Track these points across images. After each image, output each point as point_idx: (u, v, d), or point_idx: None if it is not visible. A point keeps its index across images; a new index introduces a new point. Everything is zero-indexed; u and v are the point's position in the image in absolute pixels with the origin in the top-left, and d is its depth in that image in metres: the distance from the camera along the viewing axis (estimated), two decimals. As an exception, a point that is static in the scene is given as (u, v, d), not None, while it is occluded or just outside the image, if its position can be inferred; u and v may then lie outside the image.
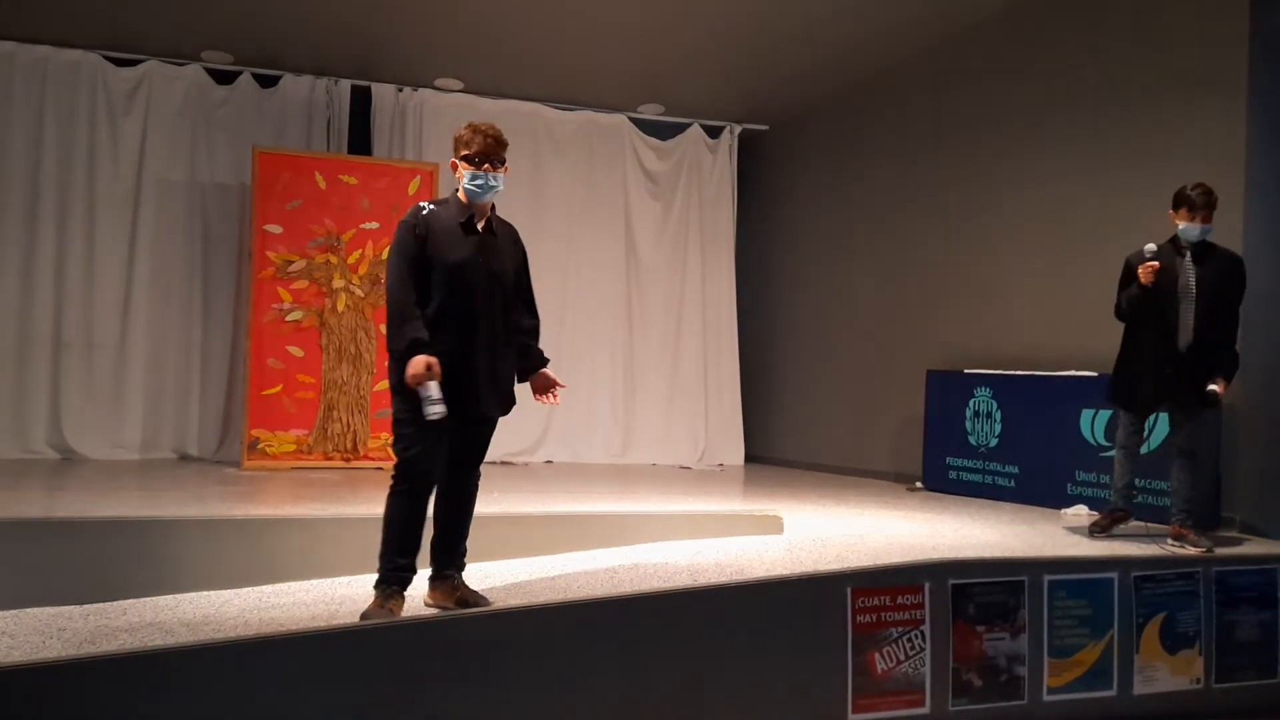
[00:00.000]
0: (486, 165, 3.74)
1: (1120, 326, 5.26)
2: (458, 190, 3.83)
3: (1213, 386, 4.84)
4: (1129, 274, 5.14)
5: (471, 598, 3.77)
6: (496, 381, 3.83)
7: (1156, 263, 4.95)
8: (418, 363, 3.53)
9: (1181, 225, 5.00)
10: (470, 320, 3.70)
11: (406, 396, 3.60)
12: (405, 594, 3.68)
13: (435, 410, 3.49)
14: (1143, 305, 5.01)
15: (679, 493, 7.02)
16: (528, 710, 3.43)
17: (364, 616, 3.55)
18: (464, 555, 3.90)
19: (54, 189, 8.11)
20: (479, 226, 3.80)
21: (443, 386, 3.56)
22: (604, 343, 9.60)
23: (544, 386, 3.99)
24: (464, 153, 3.77)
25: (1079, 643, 4.13)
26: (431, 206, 3.79)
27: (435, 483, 3.73)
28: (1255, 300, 5.59)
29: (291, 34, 7.94)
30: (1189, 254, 5.02)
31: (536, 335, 4.01)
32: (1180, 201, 5.02)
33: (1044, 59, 7.11)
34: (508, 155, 3.84)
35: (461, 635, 3.44)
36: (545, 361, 4.00)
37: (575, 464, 9.13)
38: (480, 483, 3.95)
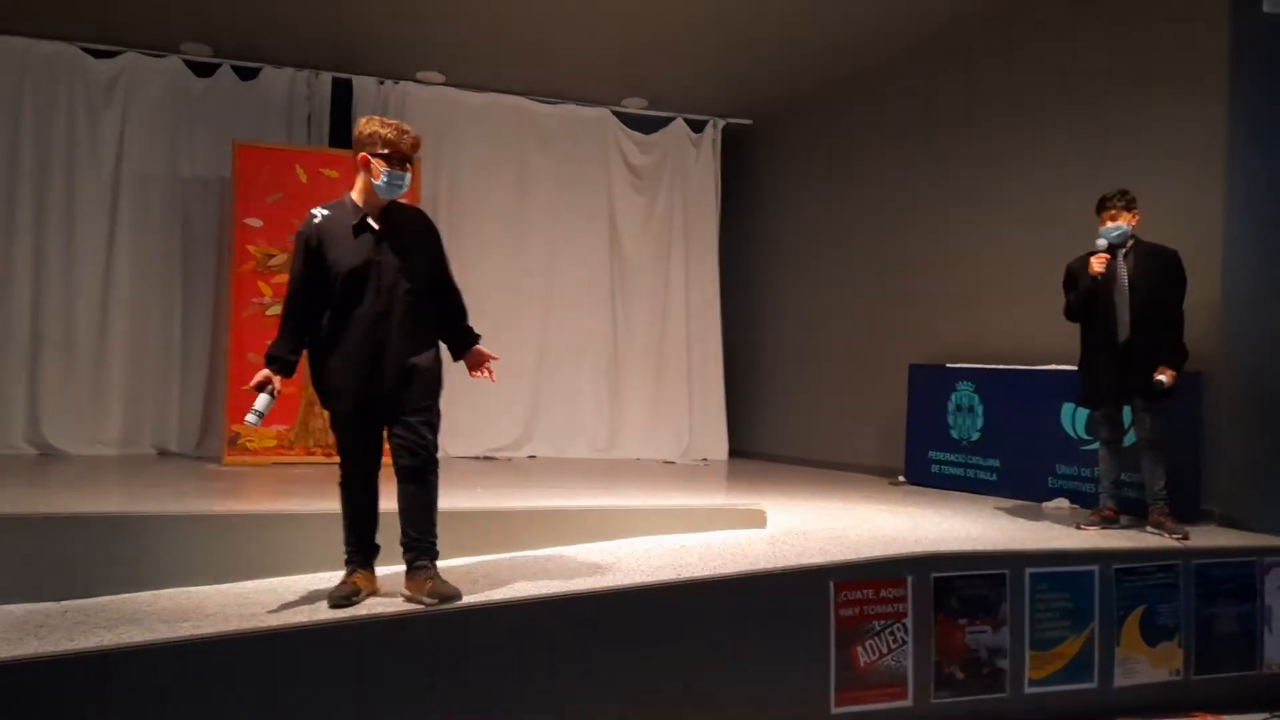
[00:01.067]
0: (408, 165, 3.81)
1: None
2: (352, 192, 3.84)
3: (1160, 377, 5.04)
4: (1071, 279, 5.47)
5: (443, 590, 3.73)
6: (409, 376, 3.81)
7: (1107, 255, 5.22)
8: (261, 374, 3.80)
9: (1103, 227, 5.30)
10: (371, 322, 3.74)
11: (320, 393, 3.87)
12: (364, 569, 3.87)
13: (249, 419, 3.78)
14: (1094, 300, 5.27)
15: (663, 487, 7.02)
16: (512, 704, 3.42)
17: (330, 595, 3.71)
18: (434, 547, 3.87)
19: (32, 182, 8.03)
20: (373, 224, 3.80)
21: (354, 384, 3.76)
22: (588, 337, 9.57)
23: (477, 363, 4.04)
24: (384, 151, 3.76)
25: (1060, 635, 4.15)
26: (325, 212, 3.82)
27: (364, 473, 3.91)
28: (1236, 298, 5.64)
29: (271, 26, 7.89)
30: (1120, 253, 5.29)
31: (464, 314, 4.06)
32: (1097, 206, 5.35)
33: (1027, 57, 7.13)
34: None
35: (444, 629, 3.43)
36: (476, 338, 4.05)
37: (559, 459, 9.10)
38: (441, 475, 3.92)
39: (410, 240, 3.87)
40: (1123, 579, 4.28)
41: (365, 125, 3.83)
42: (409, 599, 3.73)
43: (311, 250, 3.76)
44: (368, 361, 3.76)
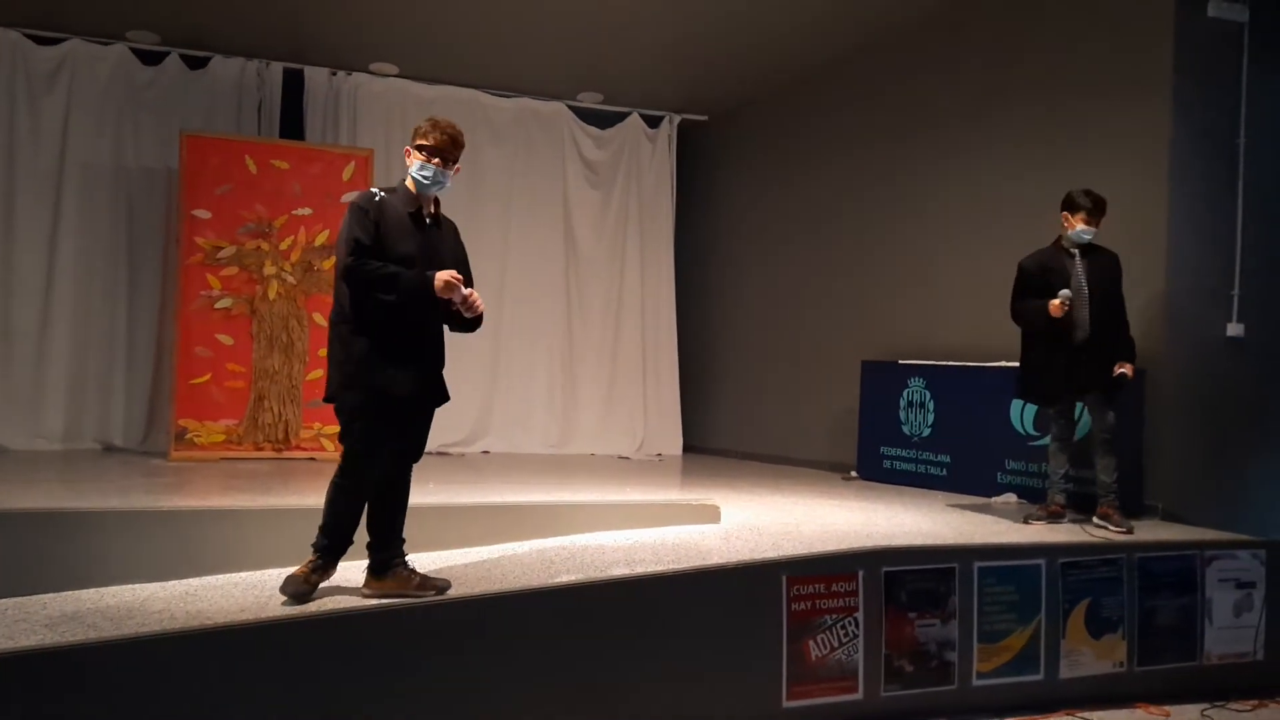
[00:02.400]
0: (438, 160, 3.76)
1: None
2: (406, 179, 3.84)
3: (1121, 370, 5.16)
4: (1025, 280, 5.45)
5: (437, 582, 3.78)
6: (432, 376, 3.85)
7: (1069, 304, 5.19)
8: (441, 276, 3.61)
9: (1078, 228, 5.31)
10: (411, 314, 3.70)
11: (357, 390, 3.65)
12: (331, 568, 3.78)
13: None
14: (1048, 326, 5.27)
15: (617, 483, 7.02)
16: (463, 699, 3.41)
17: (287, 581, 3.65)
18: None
19: (-29, 170, 7.85)
20: (426, 215, 3.83)
21: (383, 381, 3.63)
22: (542, 332, 9.55)
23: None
24: (420, 143, 3.78)
25: (1007, 628, 4.20)
26: (383, 193, 3.79)
27: (379, 471, 3.76)
28: (1179, 298, 5.75)
29: (222, 14, 7.75)
30: (1076, 254, 5.34)
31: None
32: (1075, 206, 5.33)
33: (976, 57, 7.21)
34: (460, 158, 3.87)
35: (393, 626, 3.40)
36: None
37: (513, 455, 9.07)
38: (414, 474, 3.96)
39: (450, 244, 3.93)
40: (1068, 572, 4.34)
41: (418, 124, 3.87)
42: (385, 595, 3.72)
43: (374, 222, 3.68)
44: (418, 355, 3.76)
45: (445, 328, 3.92)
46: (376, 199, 3.74)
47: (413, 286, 3.63)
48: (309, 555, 3.73)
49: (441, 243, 3.88)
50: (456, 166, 3.85)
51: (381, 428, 3.70)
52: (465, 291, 3.67)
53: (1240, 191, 5.90)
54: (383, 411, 3.68)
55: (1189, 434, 5.73)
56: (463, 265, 3.93)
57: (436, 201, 3.91)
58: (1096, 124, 6.27)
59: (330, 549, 3.76)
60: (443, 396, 3.92)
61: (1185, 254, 5.78)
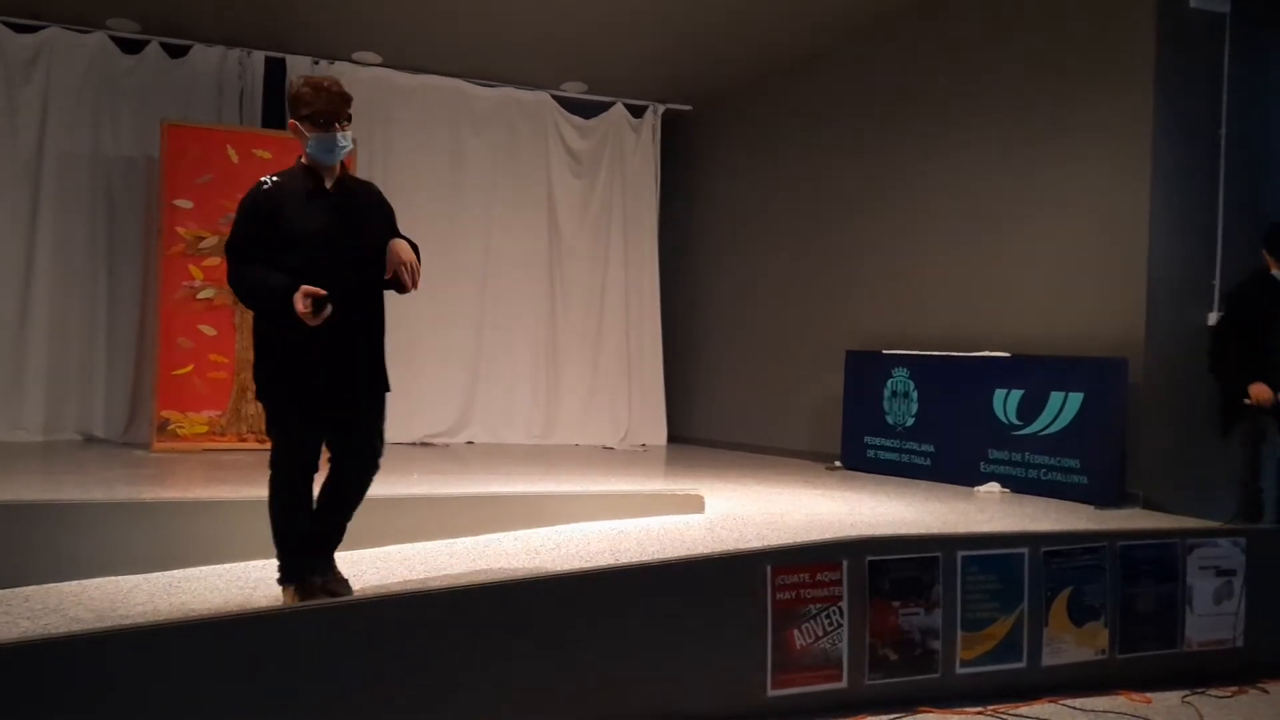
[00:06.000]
0: (335, 125, 3.44)
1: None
2: (301, 157, 3.55)
3: None
4: (1236, 319, 5.28)
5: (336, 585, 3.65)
6: (368, 357, 3.62)
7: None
8: (299, 299, 3.28)
9: None
10: (332, 295, 3.38)
11: (275, 384, 3.51)
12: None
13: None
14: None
15: (601, 473, 7.03)
16: (449, 691, 3.40)
17: None
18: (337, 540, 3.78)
19: (-52, 160, 7.77)
20: (329, 187, 3.53)
21: (312, 371, 3.44)
22: (526, 322, 9.53)
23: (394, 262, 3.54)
24: (305, 112, 3.44)
25: (990, 617, 4.22)
26: (274, 179, 3.51)
27: (314, 470, 3.60)
28: (1160, 288, 5.79)
29: (202, 2, 7.68)
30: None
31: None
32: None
33: (958, 49, 7.22)
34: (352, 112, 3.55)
35: (380, 618, 3.39)
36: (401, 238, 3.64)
37: (497, 445, 9.06)
38: (380, 469, 3.75)
39: (368, 208, 3.61)
40: (1051, 561, 4.36)
41: (291, 87, 3.57)
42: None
43: (264, 218, 3.41)
44: (338, 345, 3.46)
45: (381, 310, 3.67)
46: (265, 188, 3.46)
47: (272, 303, 3.37)
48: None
49: (353, 211, 3.55)
50: (349, 122, 3.49)
51: (308, 416, 3.51)
52: (310, 296, 3.31)
53: (1222, 182, 5.94)
54: (308, 402, 3.50)
55: (1170, 423, 5.77)
56: (387, 228, 3.64)
57: (342, 167, 3.59)
58: (1078, 114, 6.29)
59: (293, 567, 3.58)
60: (378, 384, 3.66)
61: (1166, 244, 5.81)
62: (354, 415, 3.63)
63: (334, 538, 3.74)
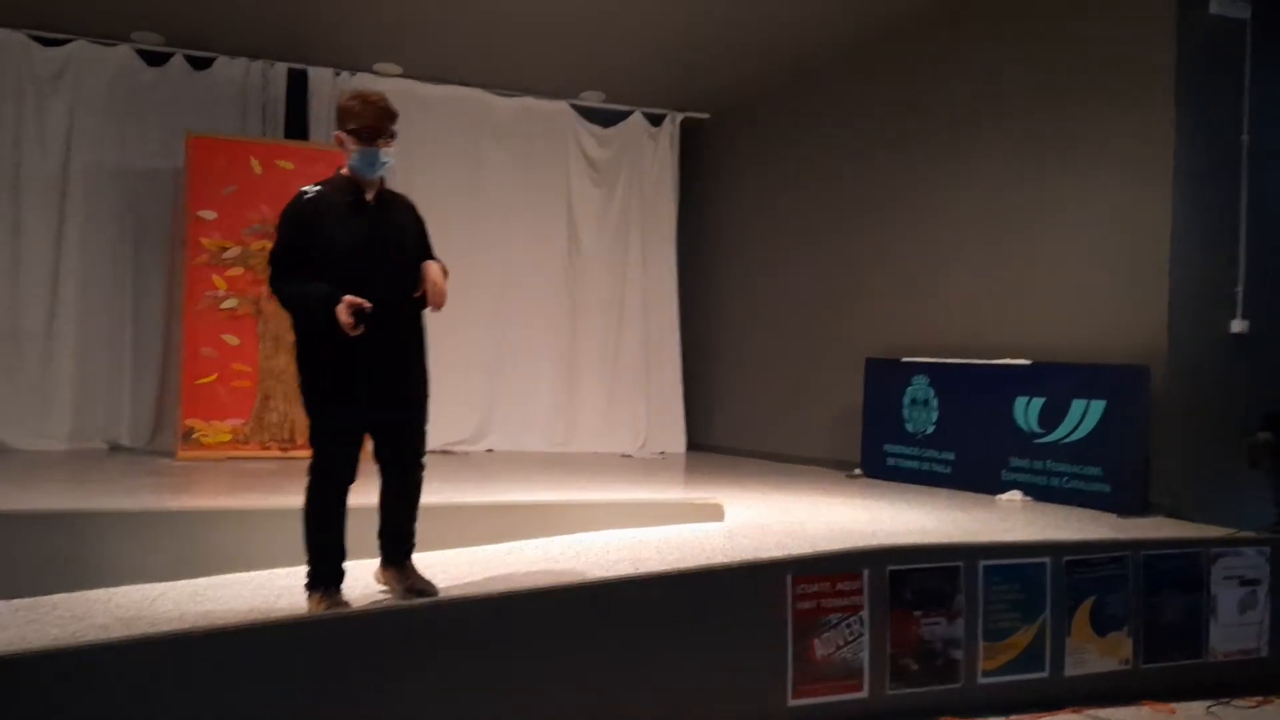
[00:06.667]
0: (379, 140, 3.54)
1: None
2: (342, 167, 3.63)
3: None
4: None
5: (420, 584, 3.76)
6: (407, 368, 3.75)
7: None
8: (343, 310, 3.35)
9: None
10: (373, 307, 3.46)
11: (316, 395, 3.58)
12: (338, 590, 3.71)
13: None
14: None
15: (620, 481, 7.04)
16: (471, 700, 3.42)
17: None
18: (410, 544, 3.89)
19: (-24, 172, 7.87)
20: (369, 200, 3.61)
21: (352, 383, 3.53)
22: (545, 331, 9.55)
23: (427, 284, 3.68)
24: (351, 126, 3.53)
25: (1012, 626, 4.21)
26: (316, 188, 3.58)
27: (352, 481, 3.68)
28: (1182, 293, 5.76)
29: (225, 15, 7.76)
30: None
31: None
32: None
33: (978, 56, 7.21)
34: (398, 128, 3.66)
35: (401, 626, 3.42)
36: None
37: (516, 453, 9.08)
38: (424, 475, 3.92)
39: (405, 222, 3.74)
40: (1073, 570, 4.35)
41: (340, 99, 3.67)
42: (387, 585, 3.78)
43: (304, 228, 3.48)
44: (370, 353, 3.55)
45: (419, 320, 3.81)
46: (307, 198, 3.53)
47: (315, 313, 3.44)
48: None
49: (390, 225, 3.65)
50: (394, 138, 3.59)
51: (348, 426, 3.61)
52: (354, 307, 3.40)
53: (1244, 188, 5.90)
54: (348, 413, 3.59)
55: (1193, 431, 5.73)
56: (421, 243, 3.76)
57: (382, 181, 3.68)
58: (1098, 120, 6.27)
59: (322, 575, 3.63)
60: (417, 394, 3.79)
61: (1189, 250, 5.78)
62: (395, 425, 3.74)
63: (408, 543, 3.88)
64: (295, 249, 3.50)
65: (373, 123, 3.52)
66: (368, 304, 3.39)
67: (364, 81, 8.84)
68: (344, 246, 3.50)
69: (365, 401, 3.59)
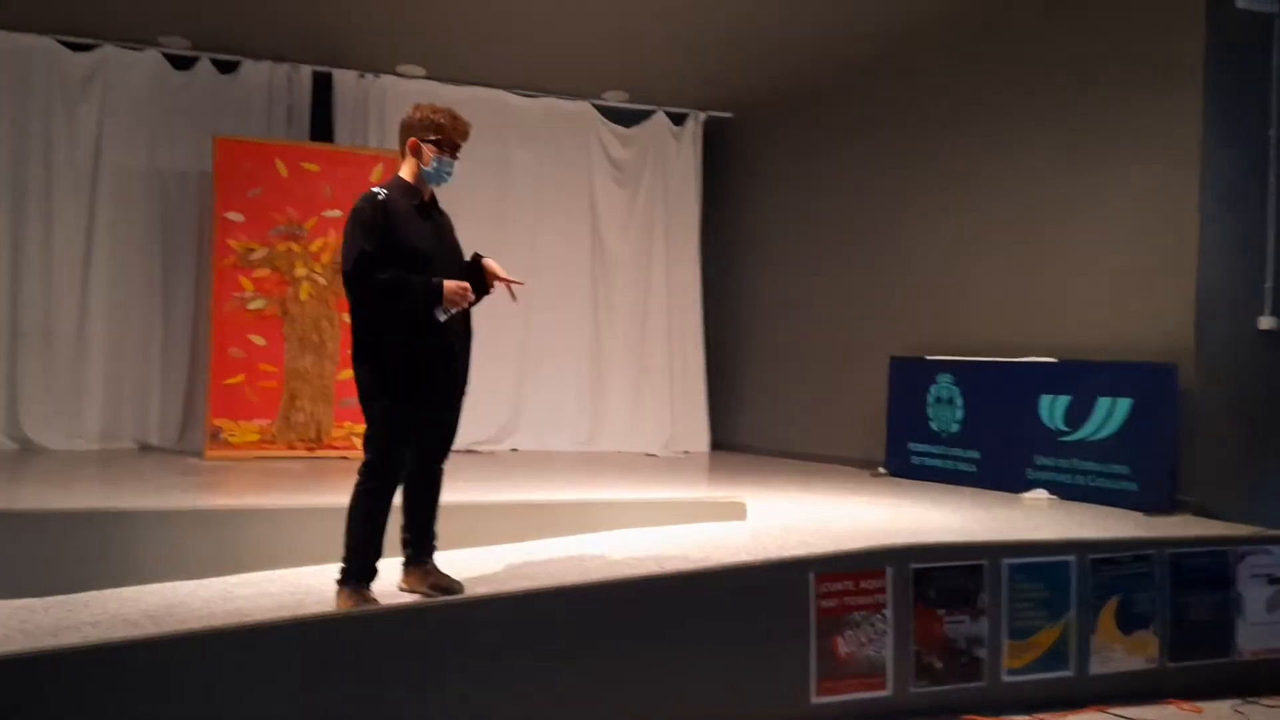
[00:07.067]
0: (456, 153, 3.78)
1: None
2: (402, 171, 3.80)
3: None
4: None
5: (446, 582, 3.80)
6: (466, 368, 3.90)
7: None
8: (449, 286, 3.57)
9: None
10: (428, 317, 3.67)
11: (386, 397, 3.64)
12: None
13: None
14: None
15: (645, 480, 7.06)
16: (498, 698, 3.45)
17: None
18: (435, 540, 3.95)
19: (9, 177, 7.96)
20: (430, 210, 3.84)
21: (416, 379, 3.63)
22: (570, 330, 9.58)
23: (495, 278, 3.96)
24: (435, 137, 3.72)
25: (1037, 625, 4.19)
26: (385, 191, 3.71)
27: (400, 474, 3.77)
28: (1212, 292, 5.71)
29: (251, 19, 7.83)
30: None
31: None
32: None
33: (1006, 54, 7.18)
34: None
35: (429, 624, 3.44)
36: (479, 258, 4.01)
37: (541, 452, 9.12)
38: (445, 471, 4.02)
39: (450, 229, 3.96)
40: (1099, 568, 4.33)
41: (416, 110, 3.80)
42: (412, 590, 3.82)
43: (380, 226, 3.60)
44: (449, 353, 3.76)
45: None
46: (380, 198, 3.65)
47: (422, 294, 3.57)
48: (344, 553, 3.72)
49: (445, 228, 3.90)
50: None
51: (411, 427, 3.71)
52: (471, 295, 3.70)
53: (1272, 183, 5.83)
54: (413, 414, 3.69)
55: (1222, 429, 5.68)
56: (458, 252, 3.97)
57: (431, 190, 3.89)
58: (1126, 117, 6.23)
59: (358, 570, 3.69)
60: (463, 393, 3.93)
61: (1217, 247, 5.73)
62: (445, 423, 3.88)
63: (434, 539, 3.98)
64: (380, 248, 3.60)
65: (459, 138, 3.78)
66: (472, 294, 3.63)
67: (388, 84, 8.91)
68: (416, 248, 3.67)
69: (433, 401, 3.74)
